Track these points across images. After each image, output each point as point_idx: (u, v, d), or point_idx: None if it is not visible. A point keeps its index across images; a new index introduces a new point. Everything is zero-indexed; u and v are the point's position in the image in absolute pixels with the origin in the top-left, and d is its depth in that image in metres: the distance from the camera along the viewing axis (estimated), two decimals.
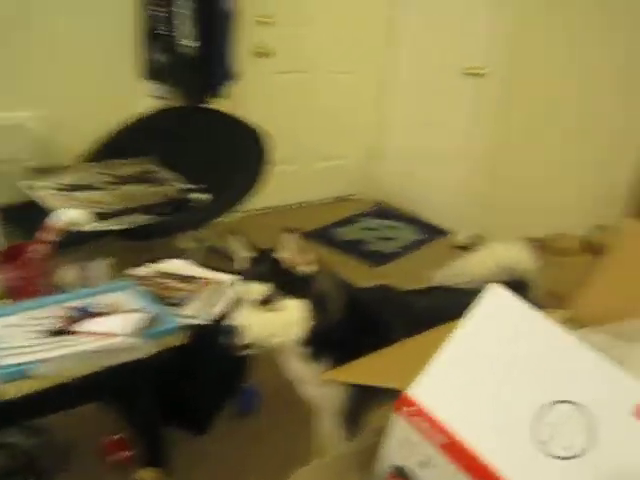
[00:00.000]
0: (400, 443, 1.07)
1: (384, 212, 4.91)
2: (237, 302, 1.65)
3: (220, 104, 3.53)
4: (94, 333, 1.82)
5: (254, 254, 1.70)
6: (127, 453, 2.16)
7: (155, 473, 2.07)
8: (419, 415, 1.03)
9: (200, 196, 3.12)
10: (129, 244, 2.90)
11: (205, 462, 2.23)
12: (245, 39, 3.72)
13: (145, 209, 2.96)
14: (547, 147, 3.90)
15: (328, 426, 1.91)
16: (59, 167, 3.13)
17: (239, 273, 1.70)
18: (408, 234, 4.49)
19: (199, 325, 2.10)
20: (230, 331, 1.59)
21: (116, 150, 3.33)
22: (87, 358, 1.76)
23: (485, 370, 1.05)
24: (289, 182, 4.52)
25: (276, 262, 1.64)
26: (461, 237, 4.36)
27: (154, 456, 2.11)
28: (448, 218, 4.56)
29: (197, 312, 2.16)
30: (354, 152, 5.03)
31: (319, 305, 1.65)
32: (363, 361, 1.46)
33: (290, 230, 1.59)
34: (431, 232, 4.58)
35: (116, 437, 2.20)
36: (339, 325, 1.68)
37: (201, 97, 3.49)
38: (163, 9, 3.28)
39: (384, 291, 1.93)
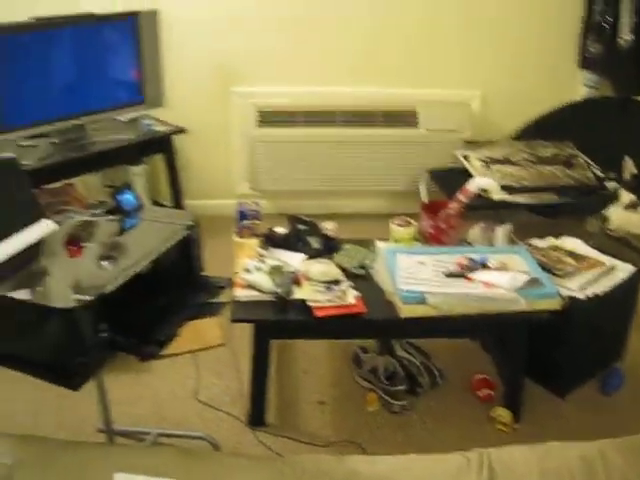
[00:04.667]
0: None
1: None
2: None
3: None
4: (484, 282, 2.20)
5: None
6: (490, 392, 2.52)
7: (509, 415, 2.40)
8: None
9: (611, 185, 3.26)
10: (535, 218, 3.25)
11: (554, 423, 2.47)
12: None
13: (556, 189, 3.23)
14: None
15: None
16: (488, 141, 3.57)
17: None
18: None
19: (576, 298, 2.33)
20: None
21: (542, 132, 3.64)
22: (474, 300, 2.16)
23: None
24: None
25: None
26: None
27: (512, 400, 2.44)
28: None
29: (577, 286, 2.39)
30: None
31: None
32: None
33: None
34: None
35: (483, 376, 2.58)
36: None
37: (632, 90, 3.57)
38: (608, 5, 3.42)
39: None
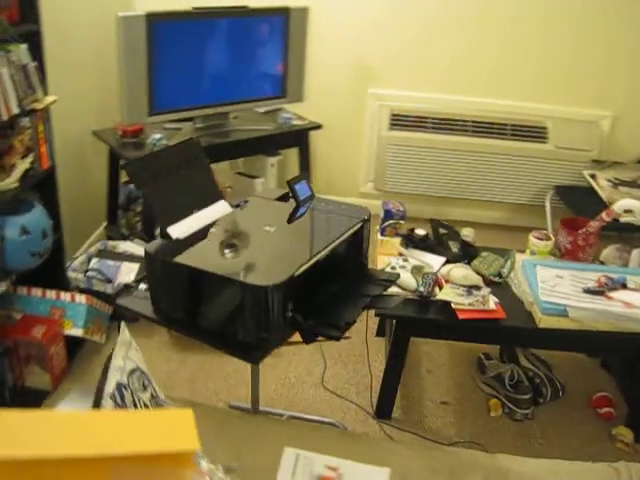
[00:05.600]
0: None
1: None
2: None
3: None
4: (624, 302, 2.23)
5: None
6: (610, 409, 2.55)
7: (631, 434, 2.43)
8: None
9: None
10: None
11: None
12: None
13: None
14: None
15: None
16: (615, 162, 3.57)
17: None
18: None
19: None
20: None
21: None
22: (612, 318, 2.20)
23: None
24: None
25: None
26: None
27: (634, 420, 2.46)
28: None
29: None
30: None
31: None
32: None
33: None
34: None
35: (604, 394, 2.60)
36: None
37: None
38: None
39: None
